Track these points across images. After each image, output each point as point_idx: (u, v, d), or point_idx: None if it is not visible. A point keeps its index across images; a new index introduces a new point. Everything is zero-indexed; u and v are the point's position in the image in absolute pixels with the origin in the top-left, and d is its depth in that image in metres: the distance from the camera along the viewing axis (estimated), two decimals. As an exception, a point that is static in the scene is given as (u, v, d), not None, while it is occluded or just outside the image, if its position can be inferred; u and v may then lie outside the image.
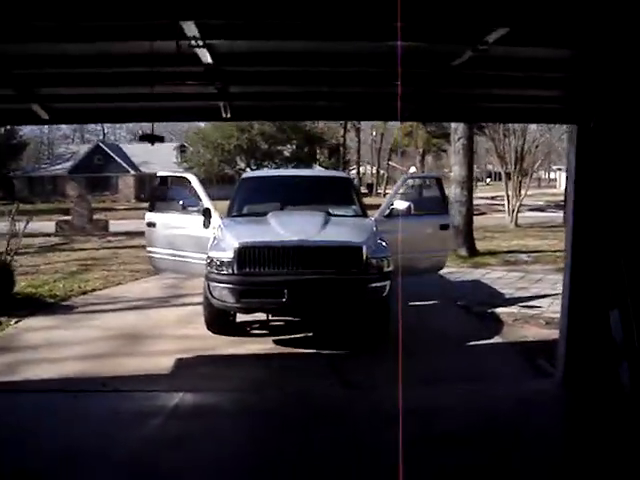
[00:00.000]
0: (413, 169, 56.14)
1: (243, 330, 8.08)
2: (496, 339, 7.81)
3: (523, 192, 24.97)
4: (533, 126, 24.60)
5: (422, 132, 41.09)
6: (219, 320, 7.69)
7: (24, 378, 6.32)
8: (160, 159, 55.42)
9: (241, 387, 6.16)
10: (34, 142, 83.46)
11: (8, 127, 60.84)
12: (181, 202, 8.81)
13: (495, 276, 12.54)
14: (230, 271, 7.09)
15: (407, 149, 50.58)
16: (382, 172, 63.32)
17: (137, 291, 11.23)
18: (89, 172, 56.09)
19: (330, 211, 8.44)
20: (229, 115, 5.34)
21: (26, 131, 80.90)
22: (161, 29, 3.44)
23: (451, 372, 6.52)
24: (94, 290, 11.31)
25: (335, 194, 9.24)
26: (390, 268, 7.35)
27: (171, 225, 9.20)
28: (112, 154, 56.89)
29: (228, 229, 7.76)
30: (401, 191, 9.37)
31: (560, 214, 32.26)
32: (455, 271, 12.96)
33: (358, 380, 6.40)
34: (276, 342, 7.66)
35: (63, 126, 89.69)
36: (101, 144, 60.24)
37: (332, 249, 7.10)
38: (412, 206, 8.74)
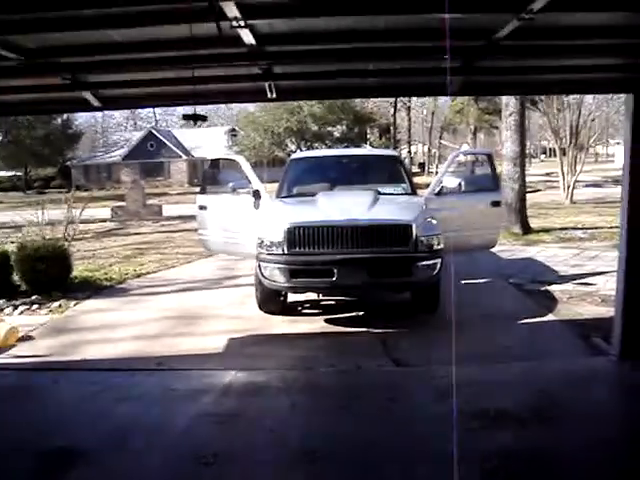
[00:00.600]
0: (465, 146, 55.29)
1: (294, 310, 8.15)
2: (550, 317, 7.67)
3: (578, 168, 24.33)
4: (589, 99, 23.94)
5: (473, 109, 40.35)
6: (271, 300, 7.78)
7: (82, 358, 6.53)
8: (211, 143, 56.21)
9: (293, 365, 6.23)
10: (89, 131, 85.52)
11: (65, 117, 62.66)
12: (231, 184, 8.88)
13: (549, 253, 12.30)
14: (280, 251, 7.14)
15: (458, 127, 49.79)
16: (434, 151, 62.66)
17: (190, 273, 11.43)
18: (142, 158, 57.13)
19: (379, 190, 8.40)
20: (274, 95, 5.34)
21: (81, 120, 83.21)
22: (201, 11, 3.46)
23: (504, 350, 6.44)
24: (148, 273, 11.56)
25: (384, 172, 9.19)
26: (440, 246, 7.28)
27: (222, 207, 9.30)
28: (164, 140, 57.71)
29: (278, 210, 7.81)
30: (451, 168, 9.23)
31: (618, 189, 31.23)
32: (508, 249, 12.77)
33: (409, 358, 6.38)
34: (327, 321, 7.70)
35: (116, 114, 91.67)
36: (153, 130, 61.07)
37: (381, 227, 7.07)
38: (462, 183, 8.61)
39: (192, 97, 5.83)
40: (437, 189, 8.77)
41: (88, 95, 5.41)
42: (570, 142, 23.67)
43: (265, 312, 7.94)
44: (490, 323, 7.42)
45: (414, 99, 54.23)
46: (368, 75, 5.43)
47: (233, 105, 77.32)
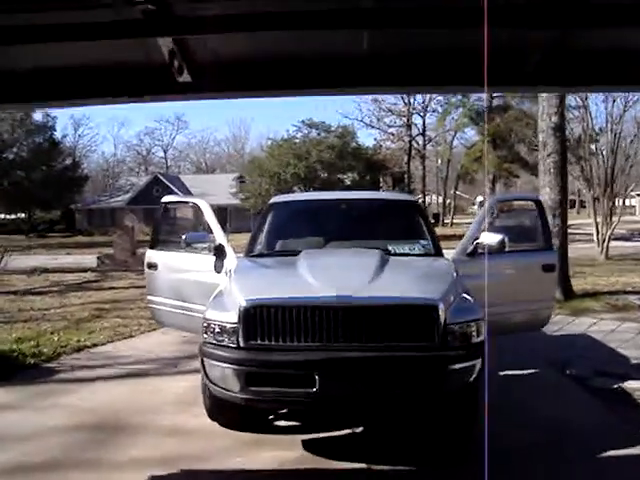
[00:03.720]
0: (480, 198, 53.09)
1: (262, 421, 5.58)
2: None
3: (615, 219, 21.81)
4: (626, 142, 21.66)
5: (492, 157, 38.10)
6: (224, 409, 5.19)
7: None
8: (219, 190, 54.37)
9: None
10: (100, 175, 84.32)
11: (72, 160, 61.30)
12: (184, 237, 6.47)
13: (606, 328, 9.68)
14: (234, 343, 4.66)
15: (475, 177, 47.53)
16: (448, 201, 60.33)
17: (146, 347, 8.89)
18: (147, 203, 55.29)
19: (390, 248, 5.94)
20: (188, 78, 2.91)
21: (93, 166, 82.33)
22: None
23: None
24: (95, 345, 9.06)
25: (397, 224, 6.73)
26: (481, 337, 4.75)
27: (176, 267, 6.89)
28: (170, 185, 55.96)
29: (238, 276, 5.32)
30: (488, 220, 6.74)
31: (649, 244, 28.94)
32: (551, 321, 10.14)
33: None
34: (308, 445, 5.12)
35: (128, 159, 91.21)
36: (159, 175, 59.57)
37: (390, 310, 4.56)
38: (506, 240, 6.12)
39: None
40: (470, 248, 6.30)
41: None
42: (605, 190, 21.18)
43: (219, 424, 5.39)
44: (552, 458, 4.81)
45: (429, 148, 52.24)
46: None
47: (247, 150, 75.85)
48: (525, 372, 7.28)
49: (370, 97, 48.82)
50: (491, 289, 5.36)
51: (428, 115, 48.33)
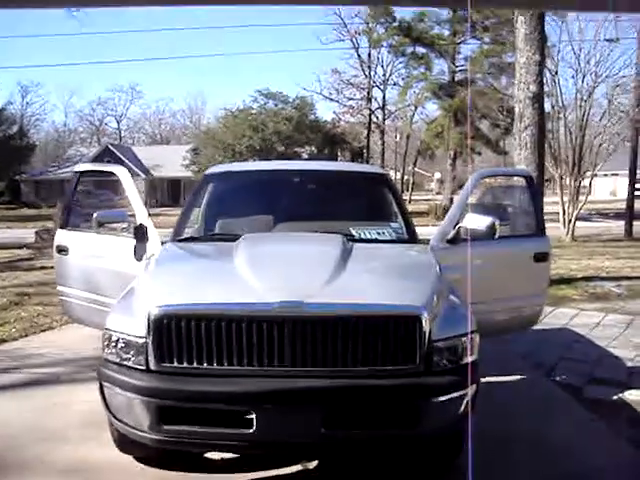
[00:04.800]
0: (438, 175, 52.16)
1: (189, 456, 4.34)
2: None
3: (581, 199, 21.07)
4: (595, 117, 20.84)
5: (453, 132, 37.07)
6: (136, 441, 3.93)
7: None
8: (173, 162, 52.45)
9: None
10: (52, 145, 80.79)
11: (17, 128, 58.35)
12: (96, 215, 5.18)
13: (589, 321, 8.71)
14: (141, 364, 3.42)
15: (436, 153, 46.56)
16: (407, 178, 59.38)
17: (64, 343, 7.53)
18: (98, 175, 53.03)
19: (354, 233, 4.74)
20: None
21: (42, 135, 78.81)
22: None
23: None
24: (2, 341, 7.68)
25: (363, 202, 5.52)
26: (475, 355, 3.60)
27: (89, 252, 5.61)
28: (122, 156, 53.64)
29: (153, 270, 4.05)
30: (471, 199, 5.59)
31: (609, 223, 28.37)
32: (529, 312, 9.12)
33: None
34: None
35: (80, 129, 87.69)
36: (110, 146, 57.16)
37: (355, 322, 3.35)
38: (497, 224, 4.98)
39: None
40: (452, 233, 5.16)
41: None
42: (572, 169, 20.36)
43: (135, 458, 4.14)
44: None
45: (388, 123, 51.08)
46: None
47: (204, 122, 73.50)
48: (508, 378, 6.19)
49: (330, 68, 47.45)
50: (475, 283, 4.25)
51: (389, 89, 47.13)
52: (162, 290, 3.58)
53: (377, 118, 47.01)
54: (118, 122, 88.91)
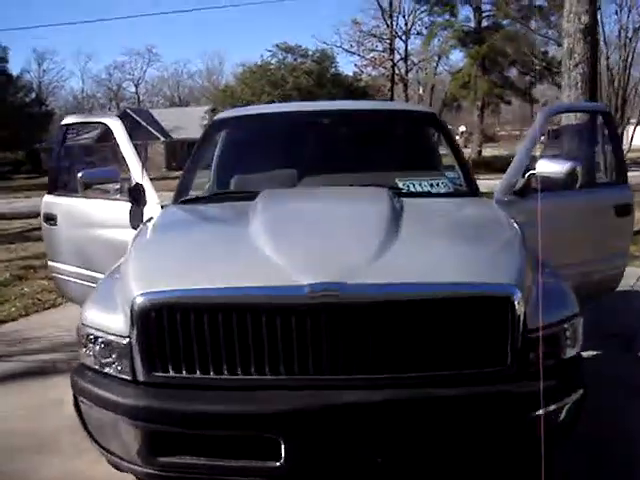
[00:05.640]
0: (463, 127, 50.58)
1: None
2: None
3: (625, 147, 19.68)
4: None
5: (482, 81, 35.41)
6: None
7: None
8: (192, 123, 51.28)
9: None
10: (71, 112, 79.79)
11: (34, 95, 57.57)
12: (81, 174, 4.26)
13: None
14: (126, 372, 2.50)
15: (463, 104, 44.78)
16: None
17: (68, 324, 6.55)
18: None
19: (401, 185, 3.74)
20: None
21: (61, 102, 78.05)
22: None
23: None
24: (1, 322, 6.88)
25: (409, 147, 4.45)
26: (578, 347, 2.61)
27: (80, 220, 4.71)
28: (139, 119, 52.69)
29: (142, 243, 3.10)
30: (542, 139, 4.55)
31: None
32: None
33: None
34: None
35: (99, 94, 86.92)
36: (128, 110, 56.11)
37: (422, 310, 2.38)
38: (579, 169, 3.97)
39: None
40: (521, 182, 4.15)
41: None
42: (616, 114, 18.95)
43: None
44: None
45: (411, 75, 49.33)
46: None
47: (223, 83, 72.32)
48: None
49: (349, 20, 45.65)
50: (551, 243, 3.28)
51: (411, 39, 45.25)
52: (150, 271, 2.66)
53: (399, 70, 45.30)
54: (136, 86, 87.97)
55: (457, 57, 39.23)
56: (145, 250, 2.97)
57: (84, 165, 4.87)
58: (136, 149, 4.54)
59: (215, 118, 4.79)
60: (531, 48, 30.81)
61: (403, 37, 44.88)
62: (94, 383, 2.56)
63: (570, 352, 2.60)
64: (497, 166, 21.60)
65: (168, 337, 2.40)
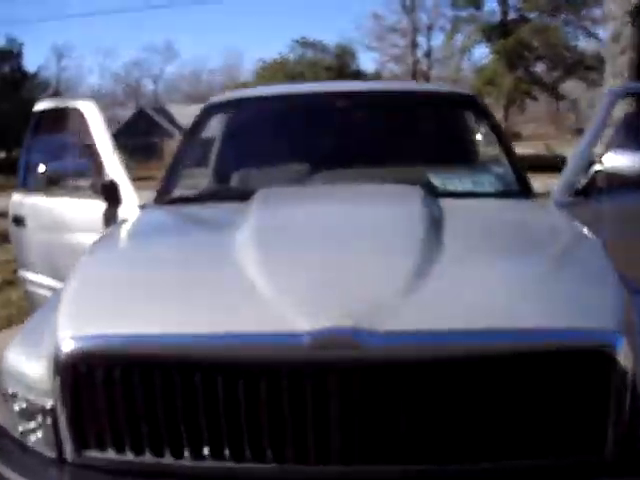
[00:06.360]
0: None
1: None
2: None
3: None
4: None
5: (508, 77, 34.34)
6: None
7: None
8: (210, 120, 50.98)
9: None
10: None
11: (52, 92, 57.36)
12: (43, 168, 3.55)
13: None
14: (49, 448, 1.72)
15: (487, 101, 43.73)
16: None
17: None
18: (133, 138, 52.04)
19: (437, 184, 2.97)
20: None
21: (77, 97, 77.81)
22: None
23: None
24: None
25: (444, 137, 3.66)
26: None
27: (49, 222, 4.00)
28: (156, 117, 52.39)
29: (85, 261, 2.30)
30: (608, 129, 3.75)
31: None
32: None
33: None
34: None
35: (118, 91, 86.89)
36: (144, 107, 55.83)
37: (478, 371, 1.57)
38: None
39: None
40: (584, 181, 3.37)
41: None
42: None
43: None
44: None
45: (433, 72, 48.38)
46: None
47: (242, 79, 72.02)
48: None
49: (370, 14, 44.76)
50: (623, 255, 2.51)
51: (434, 34, 44.31)
52: (88, 303, 1.88)
53: (422, 67, 44.39)
54: (155, 83, 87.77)
55: (481, 53, 38.05)
56: (89, 271, 2.17)
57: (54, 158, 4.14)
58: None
59: (208, 102, 3.97)
60: (561, 40, 29.67)
61: (425, 32, 43.97)
62: (8, 459, 1.81)
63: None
64: (524, 165, 20.72)
65: (106, 402, 1.63)
